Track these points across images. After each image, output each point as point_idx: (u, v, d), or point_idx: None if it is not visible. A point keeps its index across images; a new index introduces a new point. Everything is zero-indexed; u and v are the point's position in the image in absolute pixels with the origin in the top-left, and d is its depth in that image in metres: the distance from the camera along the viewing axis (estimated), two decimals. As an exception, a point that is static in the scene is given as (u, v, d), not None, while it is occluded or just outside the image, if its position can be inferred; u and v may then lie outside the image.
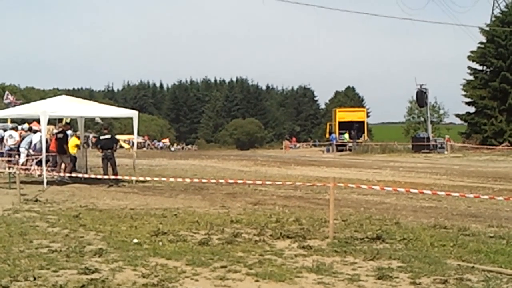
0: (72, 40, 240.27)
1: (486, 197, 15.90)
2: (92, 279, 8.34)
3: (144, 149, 74.37)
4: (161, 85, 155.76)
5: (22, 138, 26.42)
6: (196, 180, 20.01)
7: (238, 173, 28.71)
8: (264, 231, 12.01)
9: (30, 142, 25.35)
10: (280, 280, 8.42)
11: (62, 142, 23.88)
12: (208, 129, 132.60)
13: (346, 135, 60.92)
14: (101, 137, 24.42)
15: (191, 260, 9.47)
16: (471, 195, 16.42)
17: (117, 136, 26.61)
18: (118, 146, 23.67)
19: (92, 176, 21.87)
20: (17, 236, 11.42)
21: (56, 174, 22.28)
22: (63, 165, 23.68)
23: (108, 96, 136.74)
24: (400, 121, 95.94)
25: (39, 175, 22.50)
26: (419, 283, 8.36)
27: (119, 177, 22.17)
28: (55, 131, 25.50)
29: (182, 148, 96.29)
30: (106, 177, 21.92)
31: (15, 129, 29.03)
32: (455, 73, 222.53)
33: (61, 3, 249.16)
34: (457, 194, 15.00)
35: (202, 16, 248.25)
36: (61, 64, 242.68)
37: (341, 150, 57.81)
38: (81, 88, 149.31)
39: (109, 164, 22.88)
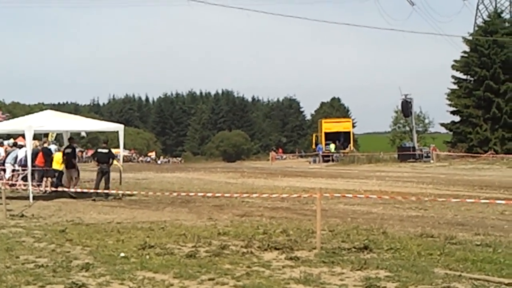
0: (57, 55, 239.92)
1: (471, 200, 16.00)
2: (79, 294, 8.32)
3: (130, 162, 74.25)
4: (147, 98, 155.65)
5: (7, 154, 26.31)
6: (183, 193, 19.98)
7: (225, 185, 28.68)
8: (252, 243, 11.99)
9: (16, 157, 25.25)
10: (268, 292, 8.43)
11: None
12: (194, 142, 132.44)
13: (332, 146, 60.99)
14: (98, 150, 24.21)
15: (178, 273, 9.45)
16: (456, 200, 16.49)
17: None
18: (113, 161, 23.47)
19: (78, 190, 21.81)
20: (3, 251, 11.36)
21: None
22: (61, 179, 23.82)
23: (94, 110, 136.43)
24: (385, 131, 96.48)
25: (24, 190, 22.41)
26: (407, 292, 8.39)
27: (106, 191, 22.07)
28: (46, 145, 25.45)
29: (169, 161, 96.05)
30: (91, 191, 21.78)
31: (1, 144, 28.91)
32: (439, 83, 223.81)
33: (46, 19, 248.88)
34: (442, 199, 15.09)
35: (187, 29, 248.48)
36: (46, 79, 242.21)
37: (327, 161, 57.88)
38: (67, 103, 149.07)
39: (103, 179, 22.73)
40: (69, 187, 22.92)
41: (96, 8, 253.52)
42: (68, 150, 24.28)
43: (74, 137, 27.08)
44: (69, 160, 24.03)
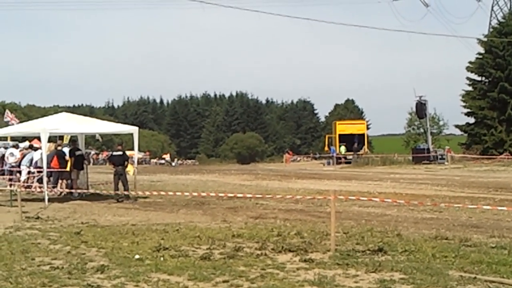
0: (72, 57, 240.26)
1: (488, 207, 15.91)
2: (94, 296, 8.37)
3: (144, 164, 74.34)
4: (161, 101, 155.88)
5: (23, 156, 26.45)
6: (196, 194, 20.02)
7: (239, 187, 28.69)
8: (266, 245, 12.01)
9: (31, 160, 25.38)
10: (282, 294, 8.44)
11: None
12: (208, 144, 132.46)
13: (343, 148, 60.82)
14: (114, 153, 24.74)
15: (193, 275, 9.48)
16: (473, 206, 16.40)
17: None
18: (128, 164, 23.80)
19: (91, 191, 21.91)
20: (19, 253, 11.44)
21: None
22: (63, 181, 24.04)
23: (109, 113, 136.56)
24: (400, 133, 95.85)
25: (40, 192, 22.51)
26: (421, 295, 8.38)
27: (126, 192, 22.15)
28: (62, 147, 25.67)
29: (183, 163, 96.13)
30: (105, 193, 21.87)
31: (16, 147, 29.07)
32: (454, 84, 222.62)
33: (60, 21, 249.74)
34: (458, 205, 15.01)
35: (201, 31, 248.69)
36: (61, 82, 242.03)
37: (340, 163, 57.71)
38: (82, 105, 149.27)
39: (119, 181, 23.02)
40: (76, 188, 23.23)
41: (110, 11, 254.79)
42: (80, 152, 24.61)
43: (89, 140, 27.33)
44: (82, 161, 24.78)
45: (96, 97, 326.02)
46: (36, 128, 23.63)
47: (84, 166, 25.50)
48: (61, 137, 27.18)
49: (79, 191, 22.30)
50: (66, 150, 26.03)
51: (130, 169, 24.50)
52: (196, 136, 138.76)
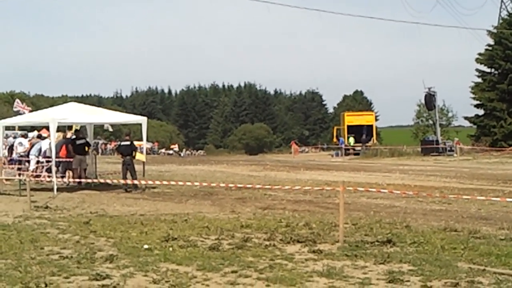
0: (81, 47, 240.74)
1: (497, 199, 15.84)
2: (103, 285, 8.40)
3: (154, 155, 74.37)
4: (170, 91, 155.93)
5: (31, 145, 26.50)
6: (206, 184, 20.00)
7: (248, 178, 28.67)
8: (274, 236, 12.01)
9: (40, 149, 25.43)
10: (291, 285, 8.44)
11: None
12: (216, 135, 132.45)
13: (351, 139, 60.74)
14: (121, 143, 24.72)
15: (201, 265, 9.49)
16: (482, 198, 16.34)
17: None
18: (136, 153, 23.80)
19: (101, 180, 21.96)
20: (28, 243, 11.47)
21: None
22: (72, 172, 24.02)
23: (117, 103, 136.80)
24: (408, 125, 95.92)
25: (48, 182, 22.55)
26: (430, 286, 8.37)
27: (135, 182, 22.15)
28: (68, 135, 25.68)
29: (191, 153, 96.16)
30: (121, 182, 21.85)
31: (25, 136, 29.12)
32: (463, 76, 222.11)
33: (70, 12, 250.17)
34: (467, 196, 14.96)
35: (210, 22, 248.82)
36: (70, 72, 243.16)
37: (348, 154, 57.71)
38: (90, 95, 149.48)
39: (128, 171, 23.04)
40: (79, 176, 23.15)
41: (120, 1, 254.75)
42: (81, 141, 24.45)
43: (98, 129, 27.32)
44: (84, 148, 24.54)
45: (105, 87, 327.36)
46: (45, 117, 23.66)
47: (92, 155, 25.48)
48: (70, 127, 27.21)
49: (89, 180, 22.31)
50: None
51: (141, 157, 24.54)
52: (204, 127, 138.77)
